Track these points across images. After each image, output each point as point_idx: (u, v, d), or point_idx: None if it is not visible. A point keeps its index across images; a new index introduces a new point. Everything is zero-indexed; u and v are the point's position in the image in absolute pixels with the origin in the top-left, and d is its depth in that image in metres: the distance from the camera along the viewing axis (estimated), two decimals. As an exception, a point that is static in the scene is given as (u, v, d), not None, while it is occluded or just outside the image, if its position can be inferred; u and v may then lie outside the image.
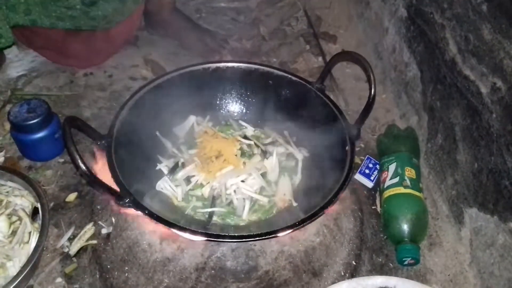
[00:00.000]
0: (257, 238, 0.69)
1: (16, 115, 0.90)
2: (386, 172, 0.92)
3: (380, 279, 0.70)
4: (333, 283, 0.73)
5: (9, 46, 1.04)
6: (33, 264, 0.73)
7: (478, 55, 0.81)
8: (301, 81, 0.93)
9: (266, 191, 0.85)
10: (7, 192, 0.83)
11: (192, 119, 0.96)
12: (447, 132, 0.92)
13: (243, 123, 0.98)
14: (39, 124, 0.90)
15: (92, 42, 1.14)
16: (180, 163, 0.87)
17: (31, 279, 0.78)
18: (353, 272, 0.80)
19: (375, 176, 0.98)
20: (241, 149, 0.89)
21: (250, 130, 0.96)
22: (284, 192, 0.85)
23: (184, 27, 1.28)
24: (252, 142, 0.91)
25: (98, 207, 0.85)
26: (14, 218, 0.80)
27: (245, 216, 0.81)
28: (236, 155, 0.87)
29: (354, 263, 0.81)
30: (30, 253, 0.75)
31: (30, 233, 0.78)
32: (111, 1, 1.07)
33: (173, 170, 0.85)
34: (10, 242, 0.77)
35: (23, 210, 0.81)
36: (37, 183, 0.86)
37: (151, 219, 0.69)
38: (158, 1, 1.24)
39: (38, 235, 0.77)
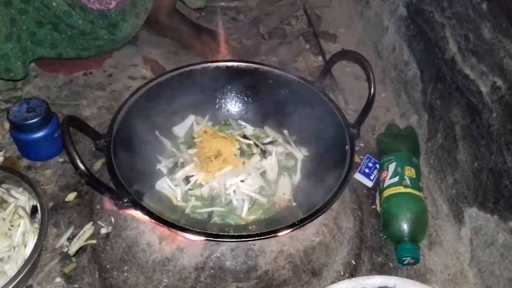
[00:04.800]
0: (257, 238, 0.69)
1: (16, 115, 0.90)
2: (386, 172, 0.92)
3: (380, 279, 0.70)
4: (333, 282, 0.73)
5: (20, 79, 1.06)
6: (32, 263, 0.73)
7: (478, 54, 0.81)
8: (300, 80, 0.92)
9: (265, 190, 0.85)
10: (6, 191, 0.83)
11: (191, 118, 0.96)
12: (447, 131, 0.92)
13: (243, 123, 0.98)
14: (38, 124, 0.90)
15: None
16: (179, 163, 0.86)
17: (30, 279, 0.78)
18: (352, 272, 0.80)
19: (375, 175, 0.97)
20: (240, 148, 0.89)
21: (249, 130, 0.96)
22: (284, 191, 0.85)
23: (183, 28, 1.28)
24: (251, 142, 0.91)
25: (98, 206, 0.85)
26: (13, 218, 0.80)
27: (245, 215, 0.81)
28: (235, 155, 0.86)
29: (354, 263, 0.81)
30: (29, 253, 0.75)
31: (29, 233, 0.78)
32: (129, 19, 1.10)
33: (172, 170, 0.85)
34: (10, 242, 0.77)
35: (23, 209, 0.80)
36: (36, 182, 0.86)
37: (150, 219, 0.69)
38: (156, 3, 1.23)
39: (37, 235, 0.77)
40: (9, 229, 0.78)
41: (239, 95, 0.99)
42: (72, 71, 1.18)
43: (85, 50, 1.09)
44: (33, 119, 0.89)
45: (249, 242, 0.74)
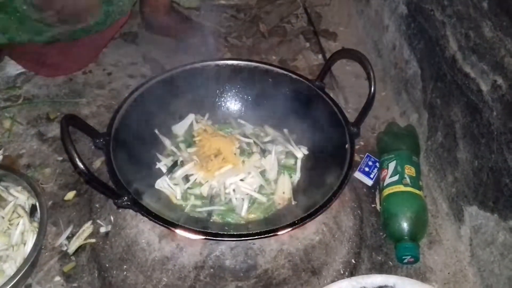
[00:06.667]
0: (256, 237, 0.69)
1: None
2: (386, 170, 0.92)
3: (379, 278, 0.70)
4: (333, 281, 0.73)
5: None
6: (31, 263, 0.73)
7: (479, 52, 0.81)
8: (300, 79, 0.92)
9: (265, 189, 0.85)
10: (5, 190, 0.83)
11: (191, 117, 0.95)
12: (447, 129, 0.91)
13: (242, 121, 0.97)
14: None
15: (70, 49, 1.11)
16: (179, 162, 0.86)
17: (30, 278, 0.78)
18: (352, 271, 0.80)
19: (375, 174, 0.97)
20: (240, 147, 0.88)
21: (249, 128, 0.96)
22: (284, 190, 0.84)
23: (182, 27, 1.27)
24: (251, 141, 0.90)
25: (97, 205, 0.85)
26: (12, 216, 0.79)
27: (244, 214, 0.81)
28: (235, 154, 0.86)
29: (354, 262, 0.81)
30: (28, 251, 0.74)
31: (28, 231, 0.78)
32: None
33: (172, 168, 0.85)
34: (8, 241, 0.77)
35: (22, 208, 0.80)
36: (35, 181, 0.86)
37: (150, 218, 0.69)
38: (153, 4, 1.22)
39: (36, 233, 0.77)
40: (8, 227, 0.78)
41: (238, 94, 0.99)
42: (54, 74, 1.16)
43: (37, 35, 1.03)
44: None
45: (249, 241, 0.74)
